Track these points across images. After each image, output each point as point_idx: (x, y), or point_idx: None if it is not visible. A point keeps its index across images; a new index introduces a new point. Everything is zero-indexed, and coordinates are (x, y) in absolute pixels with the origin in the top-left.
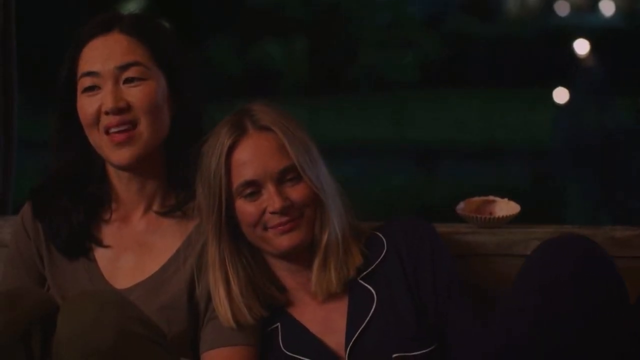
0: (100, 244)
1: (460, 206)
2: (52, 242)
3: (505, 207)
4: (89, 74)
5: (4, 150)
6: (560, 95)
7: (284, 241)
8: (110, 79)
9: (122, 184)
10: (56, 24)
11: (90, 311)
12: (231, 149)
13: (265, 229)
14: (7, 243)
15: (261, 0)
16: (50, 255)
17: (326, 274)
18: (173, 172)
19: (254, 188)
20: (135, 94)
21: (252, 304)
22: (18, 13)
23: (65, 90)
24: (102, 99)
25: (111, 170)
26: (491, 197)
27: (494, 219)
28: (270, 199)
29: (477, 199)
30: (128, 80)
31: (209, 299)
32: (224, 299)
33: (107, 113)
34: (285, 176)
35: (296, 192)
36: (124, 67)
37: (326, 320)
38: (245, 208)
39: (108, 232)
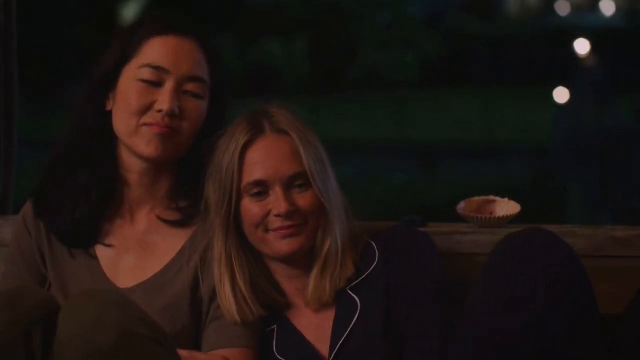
0: (103, 240)
1: (461, 206)
2: (56, 233)
3: (506, 207)
4: (157, 67)
5: (4, 150)
6: (561, 95)
7: (284, 246)
8: (175, 81)
9: (134, 176)
10: (56, 24)
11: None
12: (246, 147)
13: (267, 231)
14: (8, 243)
15: (261, 0)
16: (52, 253)
17: (322, 283)
18: (182, 180)
19: (261, 188)
20: (190, 107)
21: (254, 302)
22: (19, 13)
23: (112, 70)
24: (159, 97)
25: (126, 162)
26: (491, 197)
27: (494, 218)
28: (277, 201)
29: (477, 198)
30: (188, 92)
31: (211, 298)
32: (229, 294)
33: (159, 111)
34: (295, 182)
35: (303, 199)
36: (193, 79)
37: (320, 327)
38: (251, 208)
39: (111, 230)
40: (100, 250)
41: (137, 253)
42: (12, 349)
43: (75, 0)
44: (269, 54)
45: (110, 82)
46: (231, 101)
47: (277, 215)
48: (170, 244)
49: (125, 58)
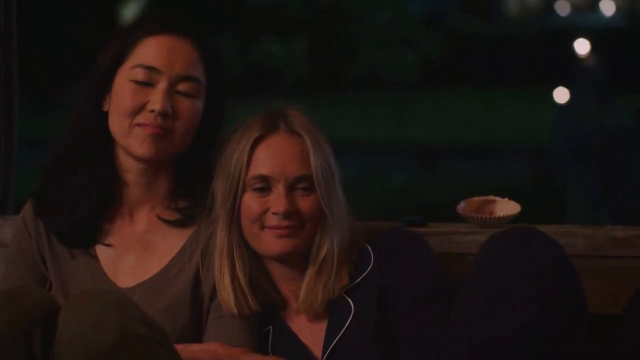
0: (103, 240)
1: (461, 206)
2: (56, 233)
3: (506, 207)
4: (149, 68)
5: (4, 150)
6: (561, 95)
7: (276, 245)
8: (168, 81)
9: (131, 176)
10: (56, 24)
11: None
12: (257, 142)
13: (262, 228)
14: (8, 243)
15: (262, 0)
16: (52, 254)
17: (314, 289)
18: (181, 180)
19: (265, 184)
20: (183, 107)
21: (252, 296)
22: (19, 13)
23: (108, 69)
24: (151, 97)
25: (123, 162)
26: (491, 197)
27: (494, 218)
28: (278, 199)
29: (477, 198)
30: (181, 92)
31: (212, 296)
32: (228, 285)
33: (152, 111)
34: (299, 184)
35: (304, 203)
36: (186, 79)
37: (314, 329)
38: (250, 202)
39: (111, 230)
40: (100, 250)
41: (137, 253)
42: (12, 349)
43: (75, 0)
44: (269, 54)
45: (106, 83)
46: (230, 101)
47: (275, 213)
48: (170, 243)
49: (120, 58)
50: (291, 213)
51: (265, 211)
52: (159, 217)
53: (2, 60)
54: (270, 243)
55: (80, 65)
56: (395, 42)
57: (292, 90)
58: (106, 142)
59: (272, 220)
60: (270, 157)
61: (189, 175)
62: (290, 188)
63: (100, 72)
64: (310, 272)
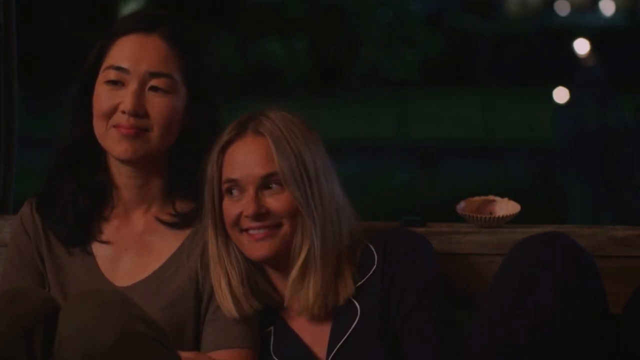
0: (100, 239)
1: (461, 206)
2: (55, 230)
3: (506, 207)
4: (118, 68)
5: (4, 150)
6: (561, 94)
7: (255, 250)
8: (137, 80)
9: (122, 179)
10: (57, 24)
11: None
12: (226, 146)
13: (241, 232)
14: (7, 243)
15: None
16: (50, 253)
17: (302, 292)
18: (175, 180)
19: (237, 188)
20: (156, 104)
21: (250, 298)
22: (19, 13)
23: (89, 73)
24: (123, 97)
25: (113, 164)
26: (491, 197)
27: (494, 218)
28: (247, 202)
29: (477, 198)
30: (153, 88)
31: (209, 298)
32: (225, 291)
33: (123, 112)
34: (269, 183)
35: (275, 202)
36: (155, 75)
37: (317, 329)
38: (227, 206)
39: (108, 230)
40: (99, 250)
41: (135, 253)
42: (13, 349)
43: (75, 0)
44: (270, 53)
45: (90, 86)
46: (222, 97)
47: (246, 216)
48: (168, 243)
49: (98, 61)
50: (262, 214)
51: (241, 214)
52: (156, 218)
53: (2, 59)
54: (249, 247)
55: (80, 63)
56: (396, 41)
57: (292, 89)
58: (98, 146)
59: (245, 222)
60: (237, 160)
61: (182, 175)
62: (261, 188)
63: (83, 76)
64: (293, 274)
